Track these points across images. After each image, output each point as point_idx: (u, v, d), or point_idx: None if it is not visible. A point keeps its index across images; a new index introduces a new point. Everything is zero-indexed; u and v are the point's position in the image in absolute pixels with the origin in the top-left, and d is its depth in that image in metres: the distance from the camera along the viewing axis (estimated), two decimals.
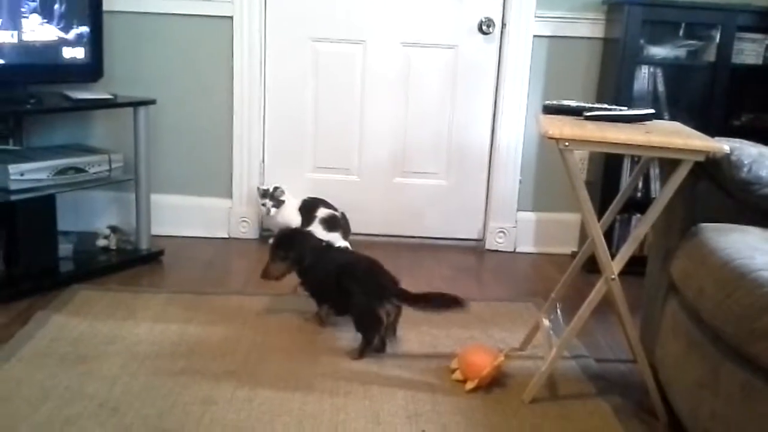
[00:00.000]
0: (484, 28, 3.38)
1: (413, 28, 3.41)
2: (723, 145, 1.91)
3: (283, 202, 3.31)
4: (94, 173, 2.96)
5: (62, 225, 3.04)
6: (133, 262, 3.09)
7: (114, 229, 3.23)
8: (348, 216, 3.37)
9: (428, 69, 3.45)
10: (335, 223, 3.31)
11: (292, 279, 2.58)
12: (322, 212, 3.31)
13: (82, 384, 2.06)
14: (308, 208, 3.34)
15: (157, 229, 3.28)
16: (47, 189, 2.80)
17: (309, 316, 2.57)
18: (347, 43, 3.42)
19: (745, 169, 1.98)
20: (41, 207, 2.86)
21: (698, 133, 2.02)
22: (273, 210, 3.30)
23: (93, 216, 3.41)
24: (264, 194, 3.33)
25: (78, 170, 2.90)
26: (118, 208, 3.42)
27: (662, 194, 1.94)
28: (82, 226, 3.34)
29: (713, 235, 1.90)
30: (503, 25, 3.38)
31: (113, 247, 3.18)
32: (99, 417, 1.90)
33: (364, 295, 2.30)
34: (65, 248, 3.05)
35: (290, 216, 3.33)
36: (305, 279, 2.54)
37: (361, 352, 2.32)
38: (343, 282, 2.36)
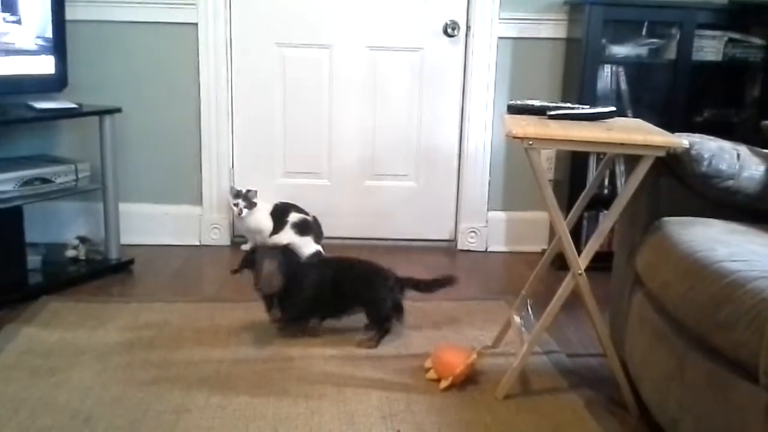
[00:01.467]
0: (449, 30, 3.40)
1: (379, 31, 3.43)
2: (683, 140, 1.95)
3: (255, 204, 3.30)
4: (61, 183, 2.93)
5: (30, 236, 3.00)
6: (102, 272, 3.07)
7: (83, 240, 3.20)
8: (319, 220, 3.37)
9: (395, 72, 3.47)
10: (307, 227, 3.31)
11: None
12: (293, 217, 3.31)
13: (53, 396, 2.05)
14: (280, 212, 3.34)
15: (126, 239, 3.26)
16: (14, 200, 2.77)
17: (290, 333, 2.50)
18: (314, 47, 3.43)
19: (705, 163, 2.03)
20: (8, 219, 2.82)
21: (659, 129, 2.06)
22: (245, 211, 3.29)
23: (61, 227, 3.37)
24: (237, 194, 3.31)
25: (44, 181, 2.88)
26: (87, 218, 3.39)
27: (625, 189, 1.97)
28: (50, 237, 3.30)
29: (676, 229, 1.94)
30: (468, 27, 3.41)
31: (82, 257, 3.16)
32: (71, 428, 1.89)
33: (373, 289, 2.45)
34: (34, 260, 3.01)
35: (262, 220, 3.33)
36: (291, 298, 2.43)
37: (378, 341, 2.45)
38: (344, 285, 2.46)
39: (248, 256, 2.45)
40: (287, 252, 2.50)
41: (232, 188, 3.38)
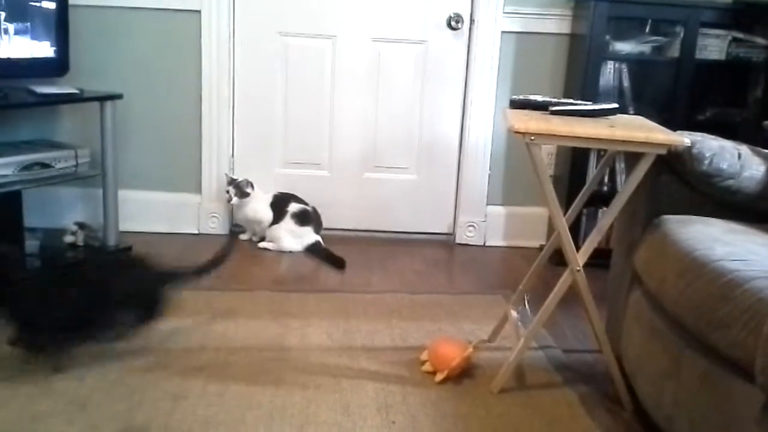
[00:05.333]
0: (453, 23, 3.40)
1: (383, 23, 3.42)
2: (684, 138, 1.95)
3: (247, 194, 3.30)
4: (61, 169, 2.93)
5: (29, 221, 3.01)
6: None
7: (81, 226, 3.20)
8: (319, 211, 3.37)
9: (398, 64, 3.46)
10: (307, 217, 3.31)
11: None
12: (293, 207, 3.31)
13: (49, 381, 2.05)
14: (279, 203, 3.34)
15: (125, 225, 3.26)
16: (13, 185, 2.76)
17: None
18: (317, 37, 3.42)
19: (707, 162, 2.03)
20: (7, 203, 2.82)
21: (661, 127, 2.05)
22: (235, 198, 3.29)
23: (60, 212, 3.37)
24: (230, 182, 3.32)
25: (44, 166, 2.87)
26: (85, 204, 3.39)
27: (625, 187, 1.97)
28: (48, 222, 3.30)
29: (675, 227, 1.94)
30: (472, 20, 3.40)
31: (80, 243, 3.15)
32: (67, 414, 1.89)
33: None
34: (32, 245, 3.01)
35: (262, 211, 3.33)
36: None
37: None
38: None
39: None
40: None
41: (226, 176, 3.38)
